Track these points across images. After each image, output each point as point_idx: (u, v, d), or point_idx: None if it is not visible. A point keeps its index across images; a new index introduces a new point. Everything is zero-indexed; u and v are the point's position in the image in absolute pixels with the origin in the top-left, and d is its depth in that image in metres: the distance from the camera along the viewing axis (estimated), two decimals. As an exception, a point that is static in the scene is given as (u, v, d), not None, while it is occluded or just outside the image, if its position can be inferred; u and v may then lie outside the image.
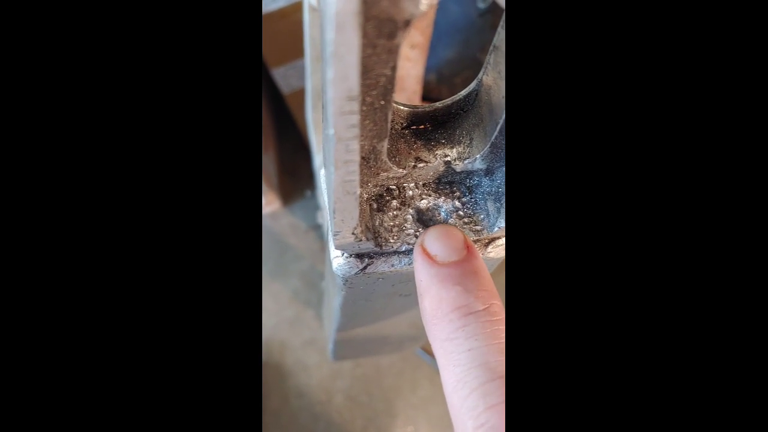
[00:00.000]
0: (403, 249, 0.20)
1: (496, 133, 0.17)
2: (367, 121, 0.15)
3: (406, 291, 0.26)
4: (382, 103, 0.14)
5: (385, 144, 0.17)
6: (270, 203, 0.89)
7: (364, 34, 0.11)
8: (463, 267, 0.17)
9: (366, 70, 0.13)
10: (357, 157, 0.14)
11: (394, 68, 0.13)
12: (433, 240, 0.18)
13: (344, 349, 0.41)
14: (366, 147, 0.17)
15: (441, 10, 0.67)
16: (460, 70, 0.71)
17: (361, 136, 0.16)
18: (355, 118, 0.13)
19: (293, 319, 0.85)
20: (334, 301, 0.29)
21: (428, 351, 0.80)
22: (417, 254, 0.18)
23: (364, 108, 0.15)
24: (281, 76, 0.68)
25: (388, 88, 0.14)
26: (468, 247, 0.18)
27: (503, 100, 0.16)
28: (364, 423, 0.79)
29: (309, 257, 0.89)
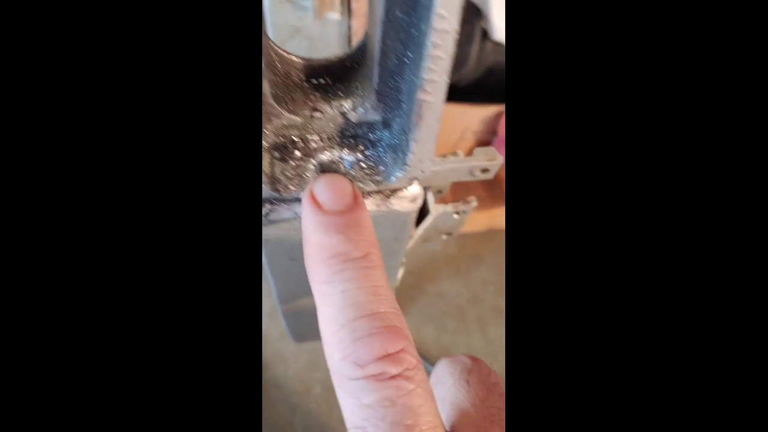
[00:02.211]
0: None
1: (375, 78, 0.18)
2: None
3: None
4: None
5: (266, 84, 0.17)
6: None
7: None
8: (347, 217, 0.18)
9: None
10: None
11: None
12: (322, 188, 0.19)
13: (298, 324, 0.41)
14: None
15: None
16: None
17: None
18: None
19: (270, 311, 0.85)
20: (264, 266, 0.29)
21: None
22: (305, 201, 0.19)
23: None
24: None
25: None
26: (356, 198, 0.19)
27: (378, 44, 0.17)
28: (341, 413, 0.79)
29: (290, 250, 0.89)
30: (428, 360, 0.78)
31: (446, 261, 0.87)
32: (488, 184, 0.85)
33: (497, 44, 0.68)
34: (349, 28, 0.48)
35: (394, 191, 0.22)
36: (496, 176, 0.92)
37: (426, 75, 0.15)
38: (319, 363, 0.82)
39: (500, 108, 0.72)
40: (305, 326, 0.44)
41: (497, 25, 0.64)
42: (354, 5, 0.46)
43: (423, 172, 0.20)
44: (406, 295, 0.82)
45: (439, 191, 0.37)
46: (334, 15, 0.48)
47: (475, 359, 0.22)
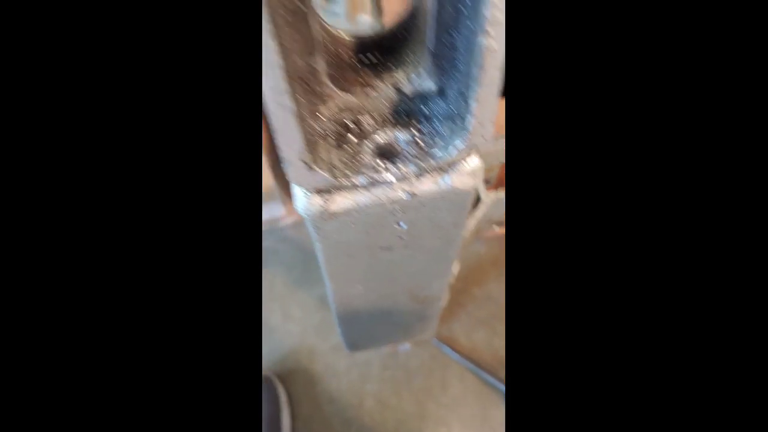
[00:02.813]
0: (363, 182, 0.20)
1: (431, 37, 0.17)
2: (293, 30, 0.15)
3: (385, 242, 0.26)
4: (302, 8, 0.15)
5: (320, 61, 0.17)
6: (291, 213, 0.91)
7: None
8: None
9: None
10: (279, 60, 0.14)
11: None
12: None
13: (352, 331, 0.40)
14: (301, 65, 0.17)
15: None
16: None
17: (292, 50, 0.16)
18: (266, 11, 0.13)
19: (319, 325, 0.85)
20: (320, 266, 0.29)
21: (446, 341, 0.77)
22: None
23: (282, 12, 0.15)
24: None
25: None
26: None
27: (432, 2, 0.16)
28: (396, 425, 0.77)
29: (332, 263, 0.89)
30: (481, 366, 0.75)
31: (492, 262, 0.85)
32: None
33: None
34: (382, 27, 0.48)
35: (451, 165, 0.20)
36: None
37: (488, 13, 0.14)
38: (371, 375, 0.80)
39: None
40: (360, 333, 0.43)
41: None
42: (383, 4, 0.46)
43: (484, 138, 0.19)
44: (454, 300, 0.80)
45: (487, 181, 0.35)
46: (365, 17, 0.47)
47: None
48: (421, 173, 0.20)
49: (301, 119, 0.17)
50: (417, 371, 0.78)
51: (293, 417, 0.78)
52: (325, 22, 0.18)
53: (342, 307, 0.34)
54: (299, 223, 0.93)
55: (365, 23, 0.48)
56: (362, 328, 0.41)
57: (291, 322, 0.85)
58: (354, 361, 0.80)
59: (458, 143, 0.19)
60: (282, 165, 0.19)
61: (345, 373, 0.80)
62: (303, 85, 0.17)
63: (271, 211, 0.90)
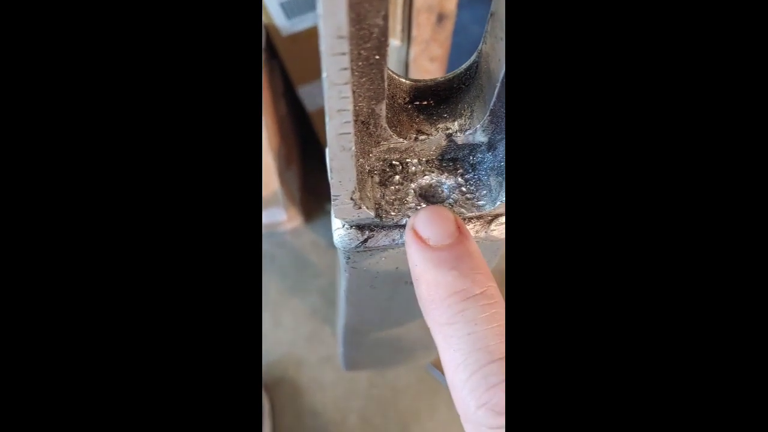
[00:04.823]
0: (404, 222, 0.20)
1: (494, 98, 0.17)
2: (364, 79, 0.16)
3: (411, 277, 0.26)
4: (377, 57, 0.15)
5: (383, 107, 0.17)
6: (292, 219, 0.91)
7: None
8: (456, 250, 0.17)
9: (359, 19, 0.14)
10: (350, 106, 0.15)
11: (385, 17, 0.14)
12: (424, 222, 0.18)
13: (355, 353, 0.40)
14: (365, 109, 0.17)
15: (462, 30, 0.69)
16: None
17: (359, 95, 0.16)
18: (346, 60, 0.13)
19: (310, 336, 0.84)
20: (340, 290, 0.29)
21: (438, 366, 0.77)
22: (409, 238, 0.18)
23: (360, 63, 0.15)
24: (307, 93, 0.71)
25: (382, 40, 0.14)
26: (459, 229, 0.18)
27: (500, 62, 0.16)
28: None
29: (329, 274, 0.89)
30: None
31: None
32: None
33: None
34: (407, 54, 0.49)
35: (496, 216, 0.21)
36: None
37: None
38: (357, 391, 0.80)
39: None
40: (363, 356, 0.43)
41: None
42: (414, 32, 0.47)
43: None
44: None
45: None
46: (395, 41, 0.48)
47: None
48: (464, 220, 0.21)
49: (356, 159, 0.18)
50: (404, 392, 0.78)
51: (274, 428, 0.77)
52: (387, 68, 0.19)
53: (352, 333, 0.34)
54: (299, 230, 0.93)
55: (393, 47, 0.49)
56: (366, 352, 0.41)
57: (281, 330, 0.84)
58: (341, 376, 0.79)
59: (503, 197, 0.19)
60: (331, 202, 0.19)
61: (331, 387, 0.79)
62: (365, 131, 0.18)
63: (272, 216, 0.90)
